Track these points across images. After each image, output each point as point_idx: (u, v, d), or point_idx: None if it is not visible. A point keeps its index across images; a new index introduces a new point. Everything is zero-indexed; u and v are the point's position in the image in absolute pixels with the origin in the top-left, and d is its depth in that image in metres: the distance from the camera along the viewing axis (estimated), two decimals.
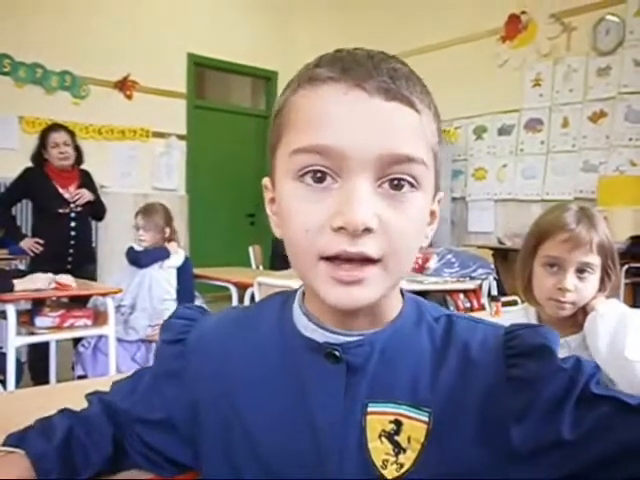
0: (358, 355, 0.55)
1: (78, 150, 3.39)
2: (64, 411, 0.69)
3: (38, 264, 3.13)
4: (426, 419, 0.54)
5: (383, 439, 0.54)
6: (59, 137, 3.26)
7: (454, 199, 5.55)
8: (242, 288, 3.53)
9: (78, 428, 0.66)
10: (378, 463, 0.54)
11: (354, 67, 0.51)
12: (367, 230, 0.49)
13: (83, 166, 3.47)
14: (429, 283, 2.94)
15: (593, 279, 1.18)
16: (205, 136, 6.27)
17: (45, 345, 3.05)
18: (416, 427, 0.54)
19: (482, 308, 2.87)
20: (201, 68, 6.37)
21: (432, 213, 0.58)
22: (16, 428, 0.66)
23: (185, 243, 5.34)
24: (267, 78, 6.80)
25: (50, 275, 2.64)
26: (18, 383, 2.52)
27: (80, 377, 2.75)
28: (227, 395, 0.61)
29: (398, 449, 0.54)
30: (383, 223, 0.50)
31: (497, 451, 0.53)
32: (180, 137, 6.06)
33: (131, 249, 2.99)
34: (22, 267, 3.76)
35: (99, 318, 2.78)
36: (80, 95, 5.33)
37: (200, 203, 6.22)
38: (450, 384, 0.55)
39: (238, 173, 6.42)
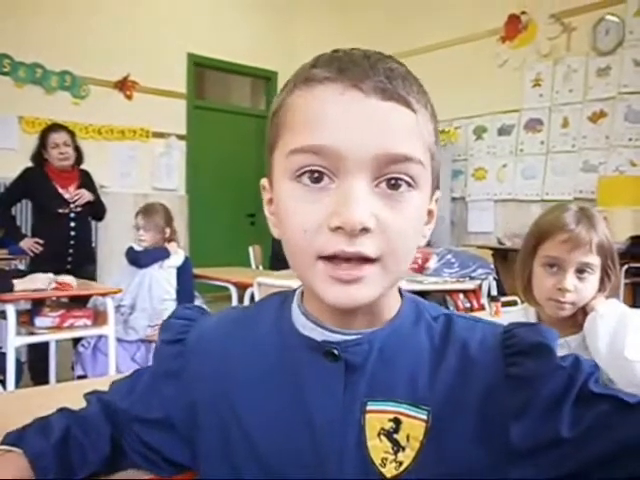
0: (357, 354, 0.56)
1: (78, 150, 3.39)
2: (62, 410, 0.69)
3: (38, 264, 3.13)
4: (425, 417, 0.54)
5: (382, 437, 0.54)
6: (59, 137, 3.26)
7: (454, 199, 5.55)
8: (242, 288, 3.53)
9: (76, 427, 0.66)
10: (377, 461, 0.54)
11: (350, 67, 0.51)
12: (365, 230, 0.49)
13: (83, 166, 3.47)
14: (429, 283, 2.94)
15: (593, 279, 1.18)
16: (205, 136, 6.27)
17: (45, 345, 3.05)
18: (415, 425, 0.54)
19: (482, 308, 2.87)
20: (201, 68, 6.37)
21: (430, 212, 0.58)
22: (16, 428, 0.66)
23: (185, 243, 5.34)
24: (267, 78, 6.81)
25: (50, 275, 2.64)
26: (18, 383, 2.52)
27: (80, 377, 2.75)
28: (226, 395, 0.61)
29: (397, 447, 0.54)
30: (380, 223, 0.50)
31: (496, 449, 0.53)
32: (180, 137, 6.06)
33: (131, 249, 2.99)
34: (22, 267, 3.76)
35: (99, 318, 2.78)
36: (80, 95, 5.33)
37: (200, 203, 6.22)
38: (449, 383, 0.55)
39: (238, 173, 6.42)
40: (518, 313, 1.37)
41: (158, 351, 0.70)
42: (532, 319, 1.27)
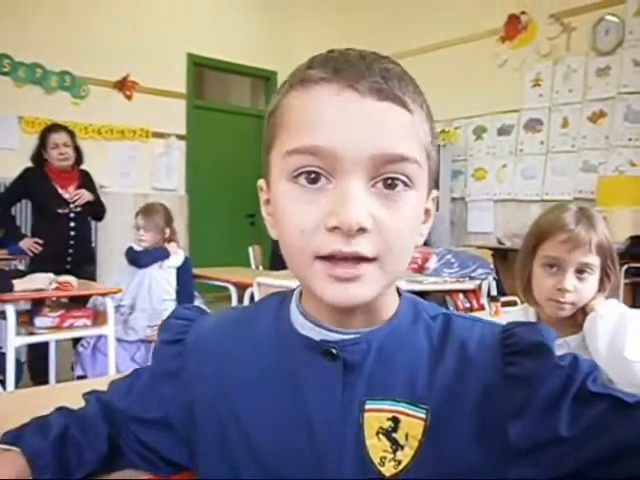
0: (355, 353, 0.56)
1: (78, 151, 3.39)
2: (60, 410, 0.69)
3: (37, 264, 3.13)
4: (423, 416, 0.54)
5: (381, 436, 0.54)
6: (59, 138, 3.26)
7: (454, 199, 5.55)
8: (242, 288, 3.53)
9: (74, 427, 0.67)
10: (376, 460, 0.54)
11: (346, 68, 0.51)
12: (361, 230, 0.49)
13: (83, 166, 3.47)
14: (428, 283, 2.94)
15: (592, 279, 1.18)
16: (205, 136, 6.27)
17: (45, 345, 3.05)
18: (413, 424, 0.54)
19: (482, 308, 2.87)
20: (201, 68, 6.37)
21: (426, 211, 0.59)
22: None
23: (185, 243, 5.34)
24: (266, 78, 6.81)
25: (50, 275, 2.64)
26: (18, 383, 2.52)
27: (79, 377, 2.75)
28: (225, 395, 0.61)
29: (396, 446, 0.54)
30: (377, 223, 0.50)
31: (495, 448, 0.53)
32: (180, 137, 6.06)
33: (131, 249, 2.99)
34: (21, 267, 3.76)
35: (98, 318, 2.78)
36: (80, 95, 5.33)
37: (200, 203, 6.22)
38: (447, 382, 0.55)
39: (238, 173, 6.42)
40: (518, 313, 1.37)
41: (157, 351, 0.70)
42: (532, 319, 1.27)
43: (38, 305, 2.75)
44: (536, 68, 4.95)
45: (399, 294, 0.62)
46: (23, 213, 4.09)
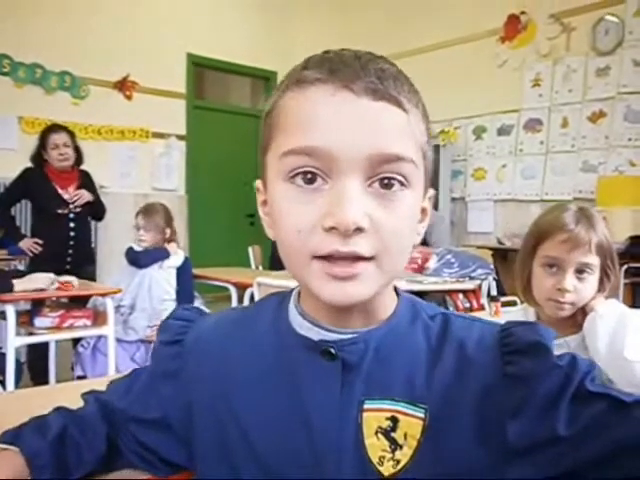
0: (353, 353, 0.56)
1: (78, 151, 3.39)
2: (59, 409, 0.69)
3: (37, 264, 3.13)
4: (422, 416, 0.54)
5: (379, 436, 0.54)
6: (59, 138, 3.26)
7: (453, 199, 5.55)
8: (242, 288, 3.53)
9: (72, 427, 0.67)
10: (375, 460, 0.54)
11: (341, 68, 0.51)
12: (358, 230, 0.49)
13: (83, 166, 3.47)
14: (428, 283, 2.94)
15: (592, 279, 1.18)
16: (204, 136, 6.27)
17: (44, 345, 3.05)
18: (412, 424, 0.54)
19: (482, 308, 2.87)
20: (200, 68, 6.37)
21: (423, 210, 0.59)
22: None
23: (185, 243, 5.34)
24: (266, 78, 6.81)
25: (51, 275, 2.64)
26: (17, 383, 2.52)
27: (79, 377, 2.75)
28: (224, 395, 0.61)
29: (394, 446, 0.54)
30: (374, 222, 0.50)
31: (493, 448, 0.53)
32: (180, 137, 6.06)
33: (131, 249, 2.99)
34: (21, 267, 3.76)
35: (98, 318, 2.78)
36: (80, 95, 5.33)
37: (200, 203, 6.22)
38: (446, 382, 0.55)
39: (238, 173, 6.42)
40: (518, 313, 1.37)
41: (156, 352, 0.70)
42: (532, 319, 1.27)
43: (38, 305, 2.75)
44: (536, 68, 4.95)
45: (397, 294, 0.62)
46: (23, 213, 4.10)
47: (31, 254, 3.26)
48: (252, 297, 3.18)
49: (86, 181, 3.44)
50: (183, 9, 5.92)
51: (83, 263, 3.38)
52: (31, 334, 2.66)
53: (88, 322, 2.73)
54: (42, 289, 2.56)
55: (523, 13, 4.97)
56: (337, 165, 0.50)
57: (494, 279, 3.14)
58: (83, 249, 3.41)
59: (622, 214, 4.03)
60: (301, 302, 0.61)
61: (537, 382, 0.53)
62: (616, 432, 0.51)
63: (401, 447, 0.54)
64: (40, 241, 3.24)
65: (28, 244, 3.24)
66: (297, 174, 0.51)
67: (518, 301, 1.92)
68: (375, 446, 0.54)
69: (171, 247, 3.04)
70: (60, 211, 3.26)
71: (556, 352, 0.56)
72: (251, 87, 7.10)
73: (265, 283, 2.86)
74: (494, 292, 3.01)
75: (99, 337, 2.78)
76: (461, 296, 3.01)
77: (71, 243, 3.30)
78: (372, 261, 0.51)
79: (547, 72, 4.87)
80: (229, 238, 6.32)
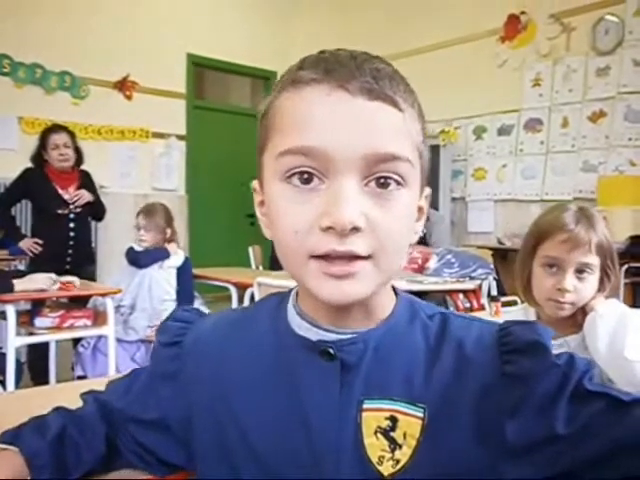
0: (352, 353, 0.56)
1: (78, 151, 3.39)
2: (58, 410, 0.70)
3: (37, 265, 3.13)
4: (421, 415, 0.54)
5: (379, 435, 0.55)
6: (59, 139, 3.26)
7: (454, 199, 5.55)
8: (242, 288, 3.53)
9: (71, 426, 0.67)
10: (374, 459, 0.54)
11: (337, 68, 0.51)
12: (355, 229, 0.49)
13: (83, 166, 3.47)
14: (429, 283, 2.94)
15: (592, 279, 1.18)
16: (205, 136, 6.27)
17: (45, 345, 3.05)
18: (411, 423, 0.54)
19: (482, 308, 2.87)
20: (200, 68, 6.37)
21: (420, 209, 0.59)
22: None
23: (185, 243, 5.34)
24: (266, 78, 6.81)
25: (51, 275, 2.64)
26: (18, 383, 2.52)
27: (80, 377, 2.75)
28: (223, 396, 0.61)
29: (394, 445, 0.54)
30: (371, 221, 0.51)
31: (492, 447, 0.53)
32: (180, 137, 6.06)
33: (131, 249, 2.99)
34: (22, 267, 3.76)
35: (99, 318, 2.78)
36: (80, 95, 5.33)
37: (200, 203, 6.22)
38: (445, 381, 0.55)
39: (237, 173, 6.41)
40: (518, 313, 1.37)
41: (155, 353, 0.70)
42: (532, 319, 1.27)
43: (38, 305, 2.75)
44: (536, 68, 4.95)
45: (396, 294, 0.62)
46: (23, 213, 4.10)
47: (31, 254, 3.26)
48: (252, 297, 3.18)
49: (86, 181, 3.44)
50: (183, 9, 5.92)
51: (83, 263, 3.38)
52: (31, 334, 2.66)
53: (88, 322, 2.73)
54: (43, 290, 2.57)
55: (523, 13, 4.97)
56: (333, 165, 0.50)
57: (494, 279, 3.15)
58: (83, 249, 3.41)
59: (622, 214, 4.03)
60: (299, 302, 0.61)
61: (535, 381, 0.53)
62: (614, 431, 0.51)
63: (400, 447, 0.54)
64: (40, 241, 3.24)
65: (28, 244, 3.24)
66: (293, 174, 0.52)
67: (518, 301, 1.92)
68: (374, 446, 0.54)
69: (171, 247, 3.04)
70: (60, 211, 3.26)
71: (556, 352, 0.56)
72: (251, 87, 7.10)
73: (265, 283, 2.86)
74: (494, 292, 3.01)
75: (99, 337, 2.79)
76: (461, 296, 3.01)
77: (71, 243, 3.30)
78: (369, 260, 0.51)
79: (547, 72, 4.87)
80: (229, 238, 6.32)
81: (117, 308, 2.84)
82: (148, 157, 5.80)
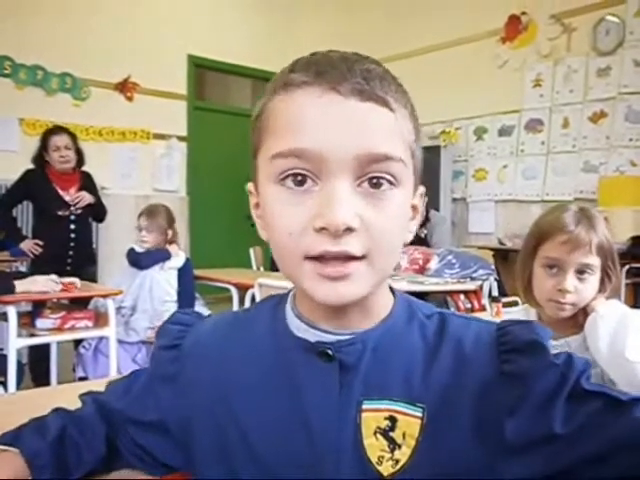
0: (350, 353, 0.56)
1: (79, 153, 3.39)
2: (57, 410, 0.70)
3: (38, 266, 3.13)
4: (420, 415, 0.55)
5: (378, 436, 0.55)
6: (60, 140, 3.26)
7: (455, 200, 5.55)
8: (243, 289, 3.53)
9: (71, 427, 0.67)
10: (374, 460, 0.54)
11: (328, 70, 0.51)
12: (349, 229, 0.50)
13: (84, 168, 3.47)
14: (430, 284, 2.94)
15: (593, 280, 1.18)
16: (205, 137, 6.27)
17: (46, 347, 3.06)
18: (410, 423, 0.55)
19: (483, 309, 2.87)
20: (201, 69, 6.38)
21: (414, 208, 0.59)
22: None
23: (186, 244, 5.34)
24: (267, 79, 6.71)
25: (52, 276, 2.64)
26: (19, 385, 2.51)
27: (81, 379, 2.75)
28: (223, 399, 0.61)
29: (393, 445, 0.54)
30: (364, 222, 0.51)
31: (491, 446, 0.53)
32: (181, 138, 6.07)
33: (132, 250, 2.99)
34: (23, 269, 3.76)
35: (100, 320, 2.78)
36: (81, 97, 5.33)
37: (201, 204, 6.23)
38: (443, 381, 0.56)
39: (238, 174, 6.41)
40: (519, 314, 1.37)
41: (154, 356, 0.71)
42: (533, 320, 1.27)
43: (39, 307, 2.75)
44: (537, 68, 4.95)
45: (394, 294, 0.62)
46: (24, 215, 4.10)
47: (32, 255, 3.26)
48: (253, 298, 3.18)
49: (87, 183, 3.44)
50: (183, 10, 5.92)
51: (84, 264, 3.38)
52: (32, 335, 2.66)
53: (89, 323, 2.74)
54: (45, 292, 2.57)
55: (524, 14, 4.98)
56: (326, 166, 0.51)
57: (495, 280, 3.15)
58: (84, 250, 3.41)
59: (623, 214, 4.03)
60: (297, 304, 0.61)
61: (534, 380, 0.54)
62: (612, 430, 0.52)
63: (400, 446, 0.54)
64: (41, 242, 3.25)
65: (29, 245, 3.25)
66: (287, 176, 0.52)
67: (519, 302, 1.92)
68: (374, 446, 0.54)
69: (172, 248, 3.04)
70: (61, 213, 3.26)
71: (557, 352, 0.56)
72: (252, 88, 7.10)
73: (266, 284, 2.86)
74: (495, 293, 3.01)
75: (100, 338, 2.79)
76: (462, 297, 3.01)
77: (72, 244, 3.30)
78: (363, 260, 0.52)
79: (548, 72, 4.88)
80: (230, 239, 6.32)
81: (118, 309, 2.84)
82: (149, 158, 5.80)
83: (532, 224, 1.27)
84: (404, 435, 0.54)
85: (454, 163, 5.52)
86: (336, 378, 0.56)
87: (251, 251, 4.87)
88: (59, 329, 2.67)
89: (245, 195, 0.63)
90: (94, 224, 3.77)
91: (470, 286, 3.05)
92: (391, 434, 0.54)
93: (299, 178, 0.52)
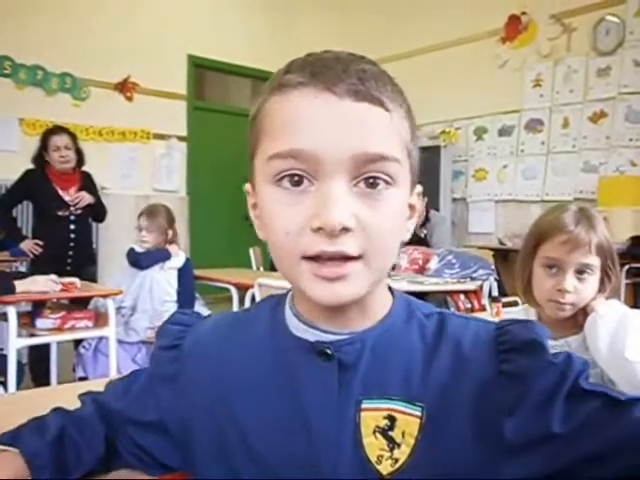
0: (349, 353, 0.56)
1: (79, 153, 3.39)
2: (57, 410, 0.70)
3: (38, 266, 3.13)
4: (419, 414, 0.55)
5: (377, 435, 0.55)
6: (60, 140, 3.26)
7: (455, 200, 5.56)
8: (243, 289, 3.53)
9: (71, 427, 0.67)
10: (373, 459, 0.54)
11: (323, 71, 0.52)
12: (345, 230, 0.50)
13: (84, 168, 3.47)
14: (430, 284, 2.94)
15: (593, 280, 1.18)
16: (205, 137, 6.27)
17: (46, 347, 3.06)
18: (409, 422, 0.55)
19: (483, 309, 2.87)
20: (201, 69, 6.38)
21: (411, 207, 0.59)
22: None
23: (186, 244, 5.34)
24: (267, 79, 6.68)
25: (52, 276, 2.64)
26: (19, 385, 2.51)
27: (81, 379, 2.75)
28: (223, 399, 0.62)
29: (392, 444, 0.54)
30: (361, 221, 0.51)
31: (490, 445, 0.53)
32: (180, 138, 6.07)
33: (132, 250, 2.99)
34: (23, 269, 3.76)
35: (100, 320, 2.78)
36: (80, 97, 5.33)
37: (201, 204, 6.23)
38: (442, 380, 0.56)
39: (238, 174, 6.41)
40: (519, 314, 1.37)
41: (154, 356, 0.71)
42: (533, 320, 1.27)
43: (39, 307, 2.75)
44: (537, 68, 4.95)
45: (392, 294, 0.62)
46: (24, 215, 4.10)
47: (32, 255, 3.26)
48: (253, 298, 3.18)
49: (87, 183, 3.44)
50: (183, 10, 5.92)
51: (84, 264, 3.38)
52: (32, 335, 2.66)
53: (89, 323, 2.74)
54: (45, 292, 2.57)
55: (524, 14, 4.98)
56: (322, 167, 0.51)
57: (495, 280, 3.15)
58: (84, 250, 3.41)
59: (623, 214, 4.03)
60: (295, 303, 0.61)
61: (533, 380, 0.54)
62: (610, 430, 0.52)
63: (399, 445, 0.54)
64: (41, 242, 3.25)
65: (29, 245, 3.25)
66: (284, 177, 0.52)
67: (519, 302, 1.92)
68: (373, 445, 0.55)
69: (172, 248, 3.04)
70: (61, 213, 3.26)
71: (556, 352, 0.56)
72: (252, 88, 7.10)
73: (266, 284, 2.86)
74: (495, 293, 3.01)
75: (100, 338, 2.79)
76: (462, 297, 3.02)
77: (72, 244, 3.30)
78: (360, 260, 0.52)
79: (548, 72, 4.88)
80: (230, 239, 6.32)
81: (118, 309, 2.84)
82: (149, 158, 5.80)
83: (532, 224, 1.27)
84: (403, 434, 0.54)
85: (454, 163, 5.52)
86: (335, 377, 0.56)
87: (251, 251, 4.88)
88: (59, 329, 2.67)
89: (245, 195, 0.63)
90: (94, 224, 3.77)
91: (470, 286, 3.05)
92: (390, 433, 0.55)
93: (296, 179, 0.52)
